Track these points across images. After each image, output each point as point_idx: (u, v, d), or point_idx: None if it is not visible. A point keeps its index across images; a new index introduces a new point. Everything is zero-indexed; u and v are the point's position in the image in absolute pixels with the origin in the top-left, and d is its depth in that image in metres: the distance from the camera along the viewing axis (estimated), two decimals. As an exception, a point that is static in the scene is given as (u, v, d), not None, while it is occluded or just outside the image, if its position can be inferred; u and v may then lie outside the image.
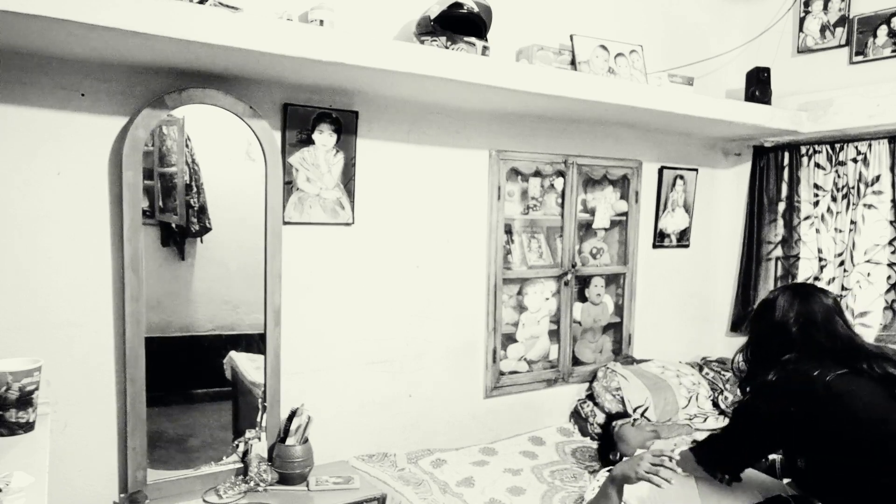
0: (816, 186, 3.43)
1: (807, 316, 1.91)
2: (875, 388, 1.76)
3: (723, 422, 3.19)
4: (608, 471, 2.32)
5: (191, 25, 1.75)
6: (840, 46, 3.29)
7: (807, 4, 3.42)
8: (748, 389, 1.95)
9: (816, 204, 3.43)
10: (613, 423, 2.68)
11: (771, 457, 2.17)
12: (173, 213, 2.25)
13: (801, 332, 1.89)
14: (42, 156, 1.99)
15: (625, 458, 2.18)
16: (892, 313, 3.14)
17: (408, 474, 2.50)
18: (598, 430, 2.97)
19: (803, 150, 3.47)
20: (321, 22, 2.17)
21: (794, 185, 3.50)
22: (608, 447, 2.66)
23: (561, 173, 3.19)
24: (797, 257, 3.49)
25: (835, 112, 3.21)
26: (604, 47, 2.85)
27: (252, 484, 2.21)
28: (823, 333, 1.88)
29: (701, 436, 2.99)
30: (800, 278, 3.47)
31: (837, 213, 3.35)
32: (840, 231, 3.34)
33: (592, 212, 3.35)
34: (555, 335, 3.28)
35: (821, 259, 3.42)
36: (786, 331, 1.91)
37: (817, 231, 3.44)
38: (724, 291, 3.88)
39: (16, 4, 1.52)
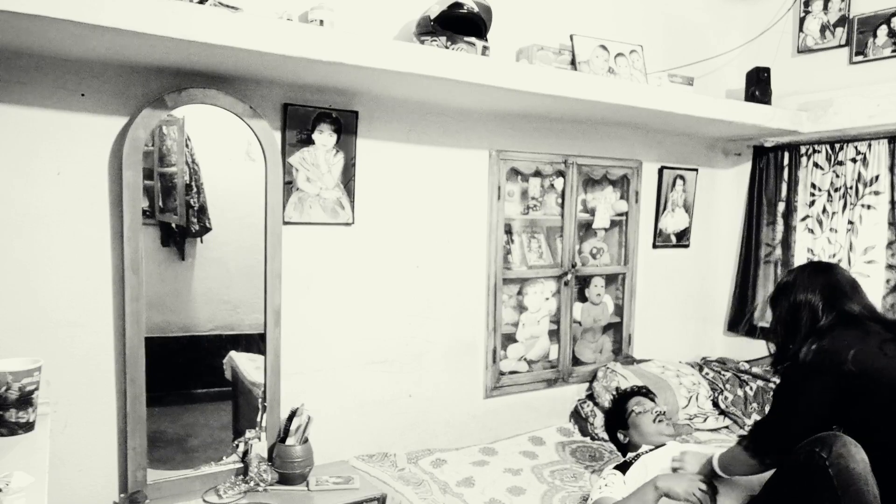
0: (813, 186, 3.43)
1: (833, 287, 1.90)
2: None
3: (723, 422, 3.20)
4: (617, 467, 2.30)
5: (190, 25, 1.75)
6: (840, 46, 3.29)
7: (807, 4, 3.42)
8: (780, 368, 1.92)
9: (812, 204, 3.44)
10: (629, 407, 2.54)
11: None
12: (173, 213, 2.25)
13: (829, 304, 1.87)
14: (42, 156, 1.99)
15: (670, 474, 2.11)
16: (891, 315, 3.13)
17: (408, 474, 2.50)
18: (613, 396, 2.86)
19: (803, 150, 3.47)
20: (321, 22, 2.17)
21: (793, 186, 3.50)
22: (618, 425, 2.55)
23: (561, 173, 3.19)
24: (793, 256, 3.49)
25: (835, 112, 3.21)
26: (604, 47, 2.85)
27: (252, 484, 2.21)
28: (854, 301, 1.87)
29: (701, 436, 3.01)
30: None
31: (833, 213, 3.36)
32: (835, 231, 3.34)
33: (592, 212, 3.35)
34: (555, 335, 3.28)
35: (809, 259, 3.42)
36: (813, 306, 1.88)
37: (811, 231, 3.44)
38: (725, 291, 3.89)
39: (16, 4, 1.52)
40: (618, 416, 2.57)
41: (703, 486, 1.95)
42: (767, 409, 2.03)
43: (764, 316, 3.67)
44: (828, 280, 1.93)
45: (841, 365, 1.74)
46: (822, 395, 1.77)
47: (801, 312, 1.91)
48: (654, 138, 3.51)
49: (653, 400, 2.61)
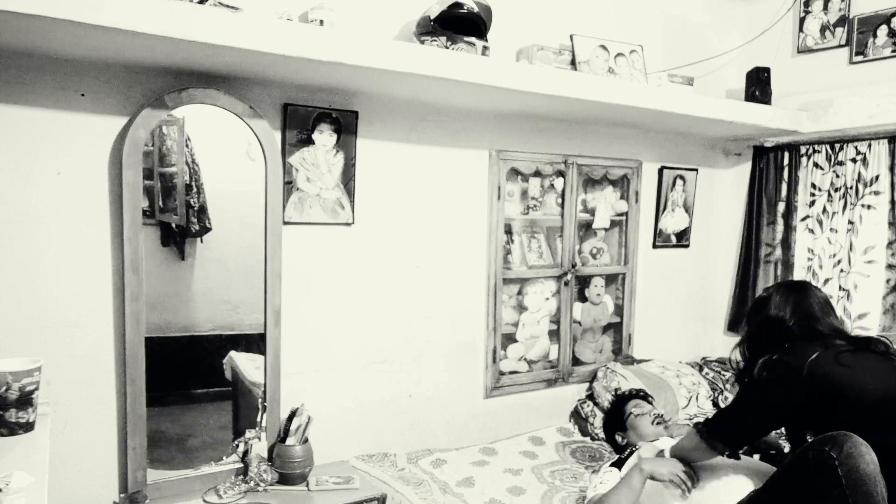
0: (813, 186, 3.43)
1: (804, 309, 1.99)
2: (880, 362, 1.82)
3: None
4: (613, 465, 2.32)
5: (190, 25, 1.75)
6: (840, 46, 3.29)
7: (807, 4, 3.42)
8: (746, 376, 2.00)
9: (812, 204, 3.44)
10: (627, 409, 2.60)
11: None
12: (173, 213, 2.25)
13: (798, 325, 1.96)
14: (42, 156, 1.99)
15: (658, 456, 2.16)
16: (891, 316, 3.13)
17: (408, 474, 2.50)
18: (611, 398, 2.93)
19: (803, 150, 3.47)
20: (321, 22, 2.17)
21: (793, 186, 3.50)
22: (617, 427, 2.61)
23: (561, 173, 3.19)
24: (793, 256, 3.49)
25: (835, 112, 3.21)
26: (604, 47, 2.85)
27: (252, 484, 2.21)
28: (823, 323, 1.96)
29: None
30: (794, 278, 3.47)
31: (833, 213, 3.36)
32: (835, 231, 3.34)
33: (592, 212, 3.35)
34: (555, 335, 3.28)
35: (809, 259, 3.42)
36: (783, 325, 1.98)
37: (811, 231, 3.44)
38: (725, 291, 3.88)
39: (16, 4, 1.52)
40: (616, 418, 2.62)
41: (686, 468, 2.02)
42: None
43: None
44: (800, 300, 2.01)
45: (797, 373, 1.80)
46: (778, 399, 1.84)
47: (773, 329, 2.00)
48: (654, 138, 3.51)
49: (650, 403, 2.64)
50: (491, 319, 3.00)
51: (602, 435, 3.00)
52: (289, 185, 2.39)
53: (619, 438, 2.58)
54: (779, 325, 1.98)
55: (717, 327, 3.91)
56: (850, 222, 3.28)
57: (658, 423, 2.48)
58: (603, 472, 2.28)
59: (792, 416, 1.88)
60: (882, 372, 1.80)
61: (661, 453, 2.18)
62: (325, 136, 2.45)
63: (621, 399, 2.74)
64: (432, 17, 2.32)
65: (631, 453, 2.36)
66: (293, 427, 2.32)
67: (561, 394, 3.27)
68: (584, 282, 3.38)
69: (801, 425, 1.94)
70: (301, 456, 2.29)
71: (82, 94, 2.03)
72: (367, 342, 2.66)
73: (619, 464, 2.31)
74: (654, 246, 3.59)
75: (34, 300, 2.00)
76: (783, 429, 2.19)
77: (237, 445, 2.32)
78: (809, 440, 1.81)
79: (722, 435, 1.96)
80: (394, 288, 2.72)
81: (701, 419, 3.13)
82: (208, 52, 1.91)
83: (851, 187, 3.28)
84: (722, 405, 3.25)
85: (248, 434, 2.33)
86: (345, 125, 2.49)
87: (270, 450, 2.35)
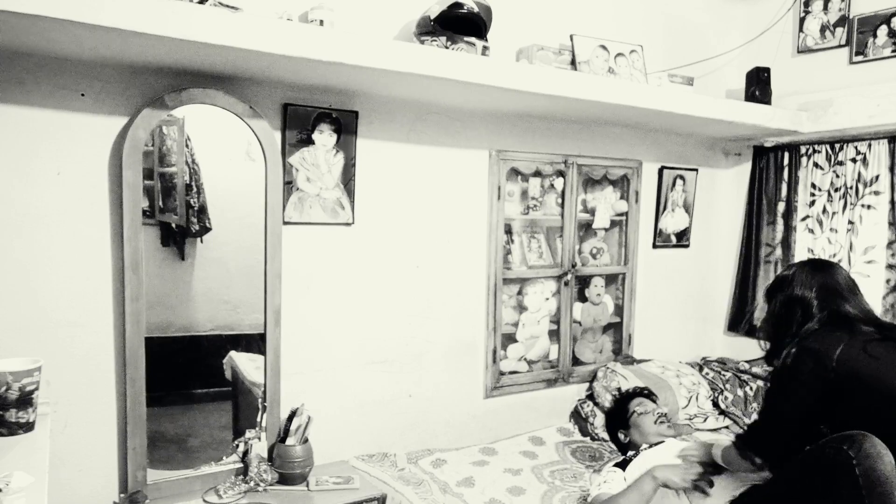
0: (813, 186, 3.43)
1: (829, 287, 1.90)
2: None
3: (723, 422, 3.20)
4: (617, 465, 2.30)
5: (190, 25, 1.75)
6: (840, 46, 3.29)
7: (807, 4, 3.42)
8: (773, 364, 1.93)
9: (812, 204, 3.44)
10: (631, 407, 2.57)
11: None
12: (173, 213, 2.25)
13: (823, 303, 1.88)
14: (42, 156, 1.99)
15: (667, 464, 2.13)
16: (892, 316, 3.13)
17: (408, 474, 2.50)
18: (615, 394, 2.91)
19: (803, 150, 3.47)
20: (321, 22, 2.17)
21: (793, 186, 3.50)
22: (620, 425, 2.59)
23: (561, 173, 3.19)
24: (793, 256, 3.49)
25: (835, 112, 3.21)
26: (604, 47, 2.85)
27: (252, 484, 2.21)
28: (851, 303, 1.87)
29: (701, 436, 3.01)
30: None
31: (833, 213, 3.36)
32: (835, 231, 3.34)
33: (592, 212, 3.35)
34: (555, 335, 3.28)
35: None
36: (807, 303, 1.89)
37: (811, 231, 3.44)
38: (725, 291, 3.88)
39: (16, 4, 1.52)
40: (619, 416, 2.60)
41: (699, 473, 2.01)
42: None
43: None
44: (826, 279, 1.93)
45: (825, 366, 1.75)
46: (807, 399, 1.79)
47: (795, 308, 1.92)
48: (654, 138, 3.51)
49: (654, 401, 2.63)
50: (491, 319, 3.00)
51: (602, 435, 3.00)
52: (289, 185, 2.39)
53: (621, 436, 2.57)
54: (802, 304, 1.90)
55: (717, 327, 3.91)
56: (850, 222, 3.28)
57: (661, 423, 2.46)
58: (606, 472, 2.27)
59: (816, 409, 1.80)
60: None
61: (685, 458, 2.16)
62: (325, 136, 2.45)
63: (625, 396, 2.72)
64: (432, 17, 2.32)
65: (637, 453, 2.35)
66: (293, 427, 2.32)
67: (561, 394, 3.27)
68: (584, 282, 3.38)
69: (820, 418, 1.84)
70: (301, 456, 2.29)
71: (82, 94, 2.03)
72: (367, 342, 2.66)
73: (622, 464, 2.30)
74: (654, 246, 3.59)
75: (34, 300, 2.00)
76: None
77: (237, 445, 2.31)
78: (825, 434, 1.76)
79: (758, 449, 1.90)
80: (394, 288, 2.72)
81: (701, 419, 3.15)
82: (208, 52, 1.91)
83: (851, 187, 3.28)
84: (722, 405, 3.26)
85: (248, 434, 2.33)
86: (345, 125, 2.49)
87: (270, 450, 2.35)
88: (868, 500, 1.55)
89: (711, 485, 2.01)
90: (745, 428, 2.01)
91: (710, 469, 2.08)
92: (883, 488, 1.55)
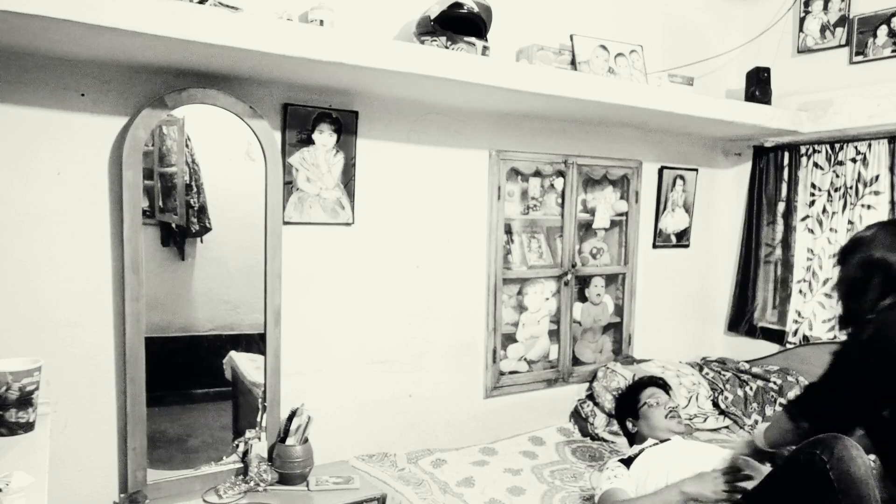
0: (813, 186, 3.43)
1: None
2: None
3: (723, 422, 3.20)
4: (622, 461, 2.27)
5: (190, 25, 1.75)
6: (840, 46, 3.29)
7: (807, 4, 3.42)
8: (850, 332, 1.81)
9: (812, 204, 3.44)
10: (643, 398, 2.47)
11: None
12: (173, 213, 2.25)
13: None
14: (42, 156, 1.99)
15: (696, 474, 2.04)
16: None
17: (408, 474, 2.50)
18: (623, 385, 2.86)
19: (803, 150, 3.47)
20: (321, 22, 2.17)
21: (793, 186, 3.50)
22: (629, 413, 2.49)
23: (561, 173, 3.19)
24: (793, 256, 3.49)
25: (835, 112, 3.21)
26: (604, 47, 2.85)
27: (252, 484, 2.21)
28: None
29: (701, 436, 3.01)
30: (794, 278, 3.48)
31: (833, 213, 3.35)
32: (835, 231, 3.34)
33: (592, 212, 3.35)
34: (555, 335, 3.28)
35: (809, 259, 3.42)
36: (887, 267, 1.73)
37: (811, 231, 3.44)
38: (725, 291, 3.89)
39: (16, 4, 1.52)
40: (630, 404, 2.51)
41: (728, 478, 1.93)
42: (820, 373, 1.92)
43: (764, 316, 3.68)
44: None
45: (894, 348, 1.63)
46: (873, 384, 1.67)
47: (874, 272, 1.75)
48: (654, 138, 3.51)
49: (668, 393, 2.54)
50: (491, 319, 3.00)
51: (602, 435, 3.00)
52: (289, 185, 2.39)
53: (629, 425, 2.48)
54: (883, 269, 1.73)
55: (717, 327, 3.91)
56: (850, 222, 3.28)
57: (672, 417, 2.38)
58: (613, 467, 2.22)
59: (881, 388, 1.66)
60: None
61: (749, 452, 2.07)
62: (325, 136, 2.45)
63: (639, 384, 2.60)
64: (432, 17, 2.32)
65: (641, 451, 2.30)
66: (293, 427, 2.32)
67: (561, 394, 3.27)
68: (584, 282, 3.38)
69: (884, 400, 1.68)
70: (301, 456, 2.29)
71: (82, 94, 2.03)
72: (367, 342, 2.66)
73: (626, 462, 2.27)
74: (654, 246, 3.59)
75: (34, 300, 2.00)
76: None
77: (237, 445, 2.32)
78: (887, 420, 1.66)
79: (811, 412, 1.77)
80: (394, 288, 2.72)
81: (701, 419, 3.15)
82: (208, 52, 1.91)
83: (851, 187, 3.28)
84: (722, 405, 3.25)
85: (248, 434, 2.33)
86: (345, 125, 2.49)
87: (270, 450, 2.35)
88: (845, 503, 1.54)
89: (744, 492, 1.93)
90: (801, 390, 1.91)
91: (736, 475, 1.99)
92: (858, 490, 1.54)
